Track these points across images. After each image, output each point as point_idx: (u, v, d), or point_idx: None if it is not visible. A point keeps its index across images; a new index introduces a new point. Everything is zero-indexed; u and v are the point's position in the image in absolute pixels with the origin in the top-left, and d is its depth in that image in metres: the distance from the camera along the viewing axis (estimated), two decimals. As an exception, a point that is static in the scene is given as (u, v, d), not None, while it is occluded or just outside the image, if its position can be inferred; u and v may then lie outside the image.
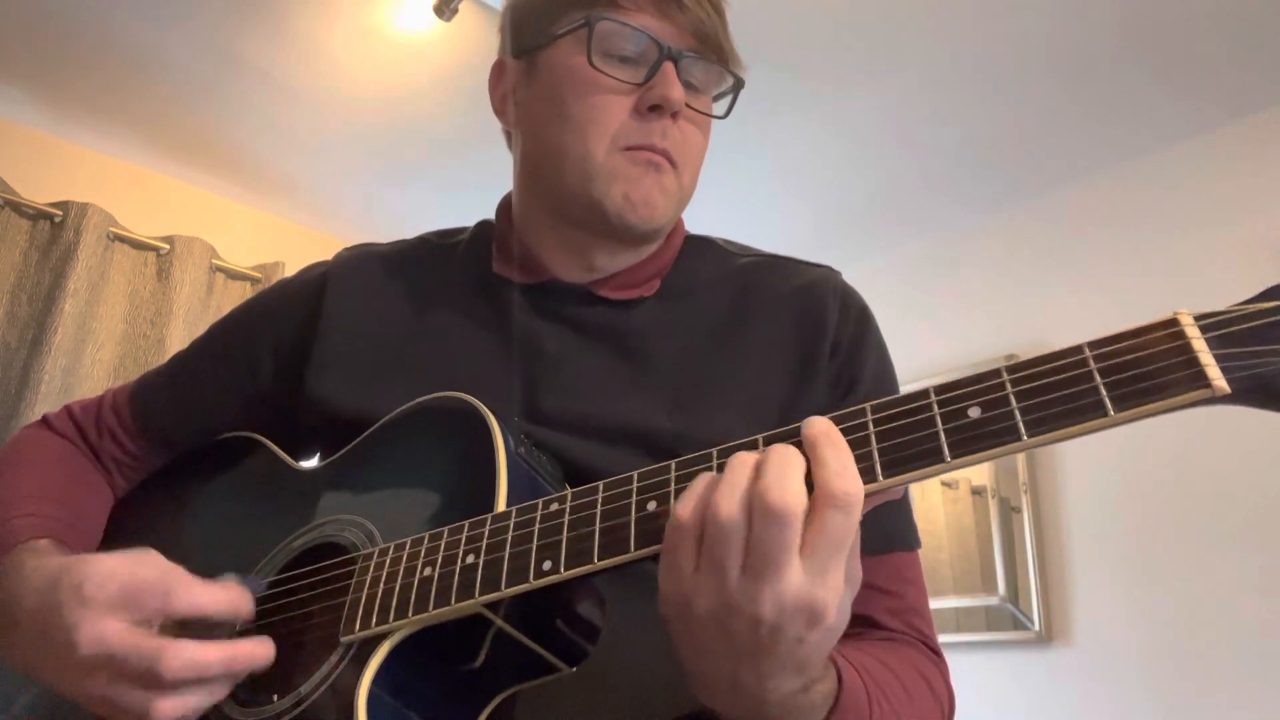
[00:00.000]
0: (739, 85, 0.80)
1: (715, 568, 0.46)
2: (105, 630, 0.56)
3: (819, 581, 0.45)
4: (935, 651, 0.71)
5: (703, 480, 0.48)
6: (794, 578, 0.44)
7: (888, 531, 0.73)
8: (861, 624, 0.70)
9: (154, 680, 0.55)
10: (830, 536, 0.45)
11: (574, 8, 0.76)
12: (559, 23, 0.77)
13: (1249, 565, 2.06)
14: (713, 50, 0.77)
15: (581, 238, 0.79)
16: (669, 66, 0.74)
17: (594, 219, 0.76)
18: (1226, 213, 2.30)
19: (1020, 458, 2.52)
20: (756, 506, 0.45)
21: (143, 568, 0.60)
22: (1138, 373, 0.42)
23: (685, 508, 0.47)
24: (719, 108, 0.81)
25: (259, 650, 0.59)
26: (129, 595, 0.58)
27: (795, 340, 0.77)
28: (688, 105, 0.75)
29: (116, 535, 0.83)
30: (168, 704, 0.56)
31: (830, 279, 0.82)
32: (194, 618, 0.59)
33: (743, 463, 0.47)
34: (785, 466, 0.45)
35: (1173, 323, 0.42)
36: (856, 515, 0.45)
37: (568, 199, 0.77)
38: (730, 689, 0.49)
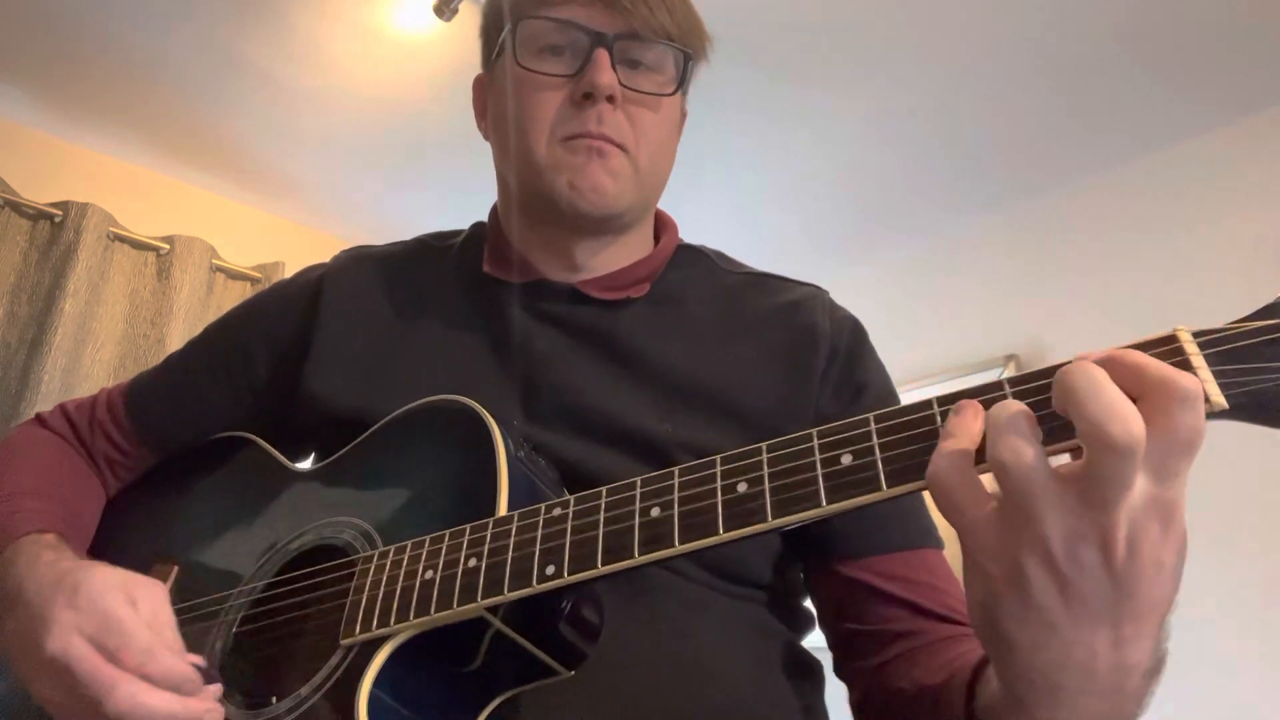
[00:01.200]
0: (686, 59, 0.79)
1: (1030, 517, 0.39)
2: (71, 644, 0.56)
3: (1166, 486, 0.39)
4: None
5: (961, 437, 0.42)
6: (1141, 488, 0.39)
7: (923, 526, 0.74)
8: (945, 620, 0.69)
9: (96, 708, 0.55)
10: (1178, 440, 0.38)
11: (510, 13, 0.78)
12: (502, 31, 0.79)
13: (1249, 567, 2.06)
14: (651, 29, 0.76)
15: (557, 235, 0.80)
16: (600, 53, 0.74)
17: (553, 212, 0.77)
18: (1225, 213, 2.30)
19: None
20: (1091, 438, 0.38)
21: (142, 605, 0.59)
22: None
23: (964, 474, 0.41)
24: (675, 85, 0.80)
25: (209, 717, 0.58)
26: (105, 626, 0.57)
27: (786, 354, 0.77)
28: (629, 87, 0.76)
29: (109, 534, 0.84)
30: None
31: (819, 296, 0.84)
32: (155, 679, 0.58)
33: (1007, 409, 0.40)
34: (1098, 387, 0.38)
35: (1172, 339, 0.43)
36: (1201, 411, 0.39)
37: (528, 196, 0.79)
38: (1085, 679, 0.42)
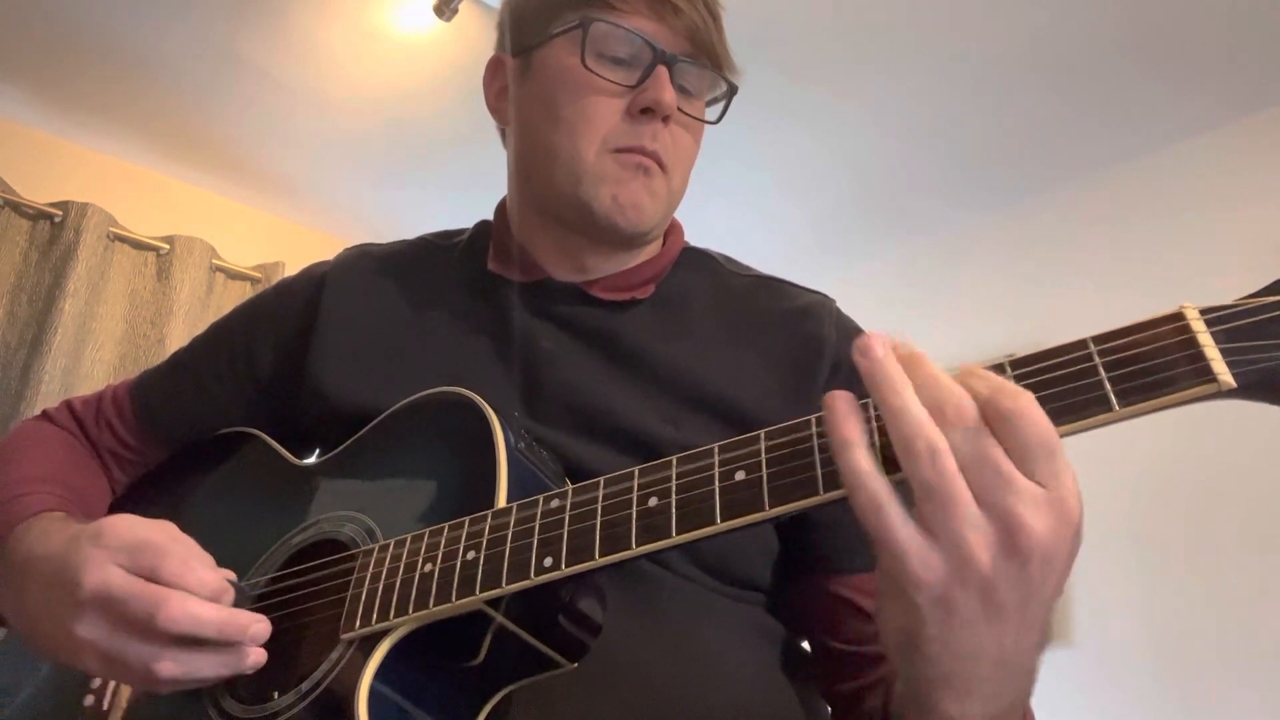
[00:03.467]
0: (732, 91, 0.80)
1: (946, 519, 0.41)
2: (110, 573, 0.57)
3: (1050, 485, 0.41)
4: None
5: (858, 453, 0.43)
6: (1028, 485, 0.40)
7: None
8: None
9: (152, 629, 0.55)
10: (1032, 439, 0.40)
11: (570, 8, 0.76)
12: (555, 22, 0.77)
13: (1251, 566, 2.06)
14: (706, 55, 0.77)
15: (572, 239, 0.79)
16: (662, 70, 0.74)
17: (582, 220, 0.76)
18: (1225, 212, 2.30)
19: (1021, 457, 2.52)
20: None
21: (156, 532, 0.60)
22: (1143, 367, 0.41)
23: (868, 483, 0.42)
24: (712, 113, 0.82)
25: (255, 625, 0.58)
26: (138, 549, 0.58)
27: (791, 362, 0.77)
28: (679, 109, 0.75)
29: None
30: (170, 660, 0.56)
31: (825, 303, 0.83)
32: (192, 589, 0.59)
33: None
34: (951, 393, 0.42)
35: (1178, 316, 0.42)
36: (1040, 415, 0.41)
37: (557, 199, 0.77)
38: (995, 669, 0.43)
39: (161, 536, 0.60)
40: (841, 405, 0.45)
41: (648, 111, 0.74)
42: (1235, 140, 2.34)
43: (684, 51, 0.75)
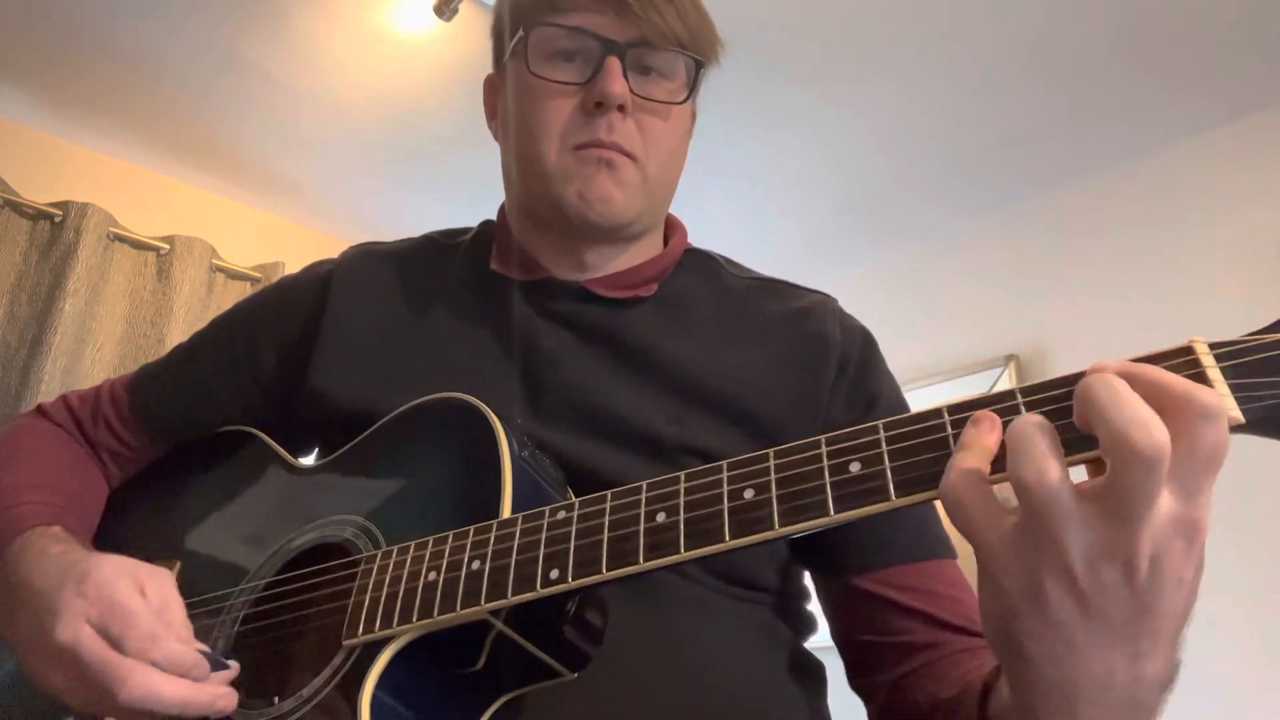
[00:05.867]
0: (698, 66, 0.79)
1: (1052, 537, 0.39)
2: (81, 632, 0.56)
3: (1191, 503, 0.39)
4: None
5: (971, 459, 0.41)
6: (1166, 503, 0.38)
7: (938, 535, 0.74)
8: (964, 632, 0.68)
9: (109, 698, 0.55)
10: (1201, 455, 0.38)
11: (520, 18, 0.78)
12: (513, 35, 0.79)
13: (1250, 566, 2.06)
14: (663, 36, 0.76)
15: (564, 240, 0.80)
16: (611, 61, 0.74)
17: (559, 219, 0.77)
18: (1225, 213, 2.30)
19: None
20: (1115, 449, 0.37)
21: (151, 594, 0.60)
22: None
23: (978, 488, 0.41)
24: (686, 92, 0.80)
25: (220, 701, 0.58)
26: (110, 613, 0.57)
27: (795, 361, 0.77)
28: (640, 96, 0.75)
29: (109, 528, 0.83)
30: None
31: (828, 303, 0.83)
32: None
33: (1029, 424, 0.40)
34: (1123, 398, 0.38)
35: (1188, 350, 0.42)
36: (1224, 426, 0.38)
37: (537, 203, 0.79)
38: (1102, 692, 0.41)
39: (135, 602, 0.59)
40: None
41: (600, 104, 0.74)
42: (1232, 142, 2.34)
43: (635, 38, 0.75)
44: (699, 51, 0.78)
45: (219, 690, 0.58)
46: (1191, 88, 2.23)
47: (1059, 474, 0.39)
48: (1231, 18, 2.00)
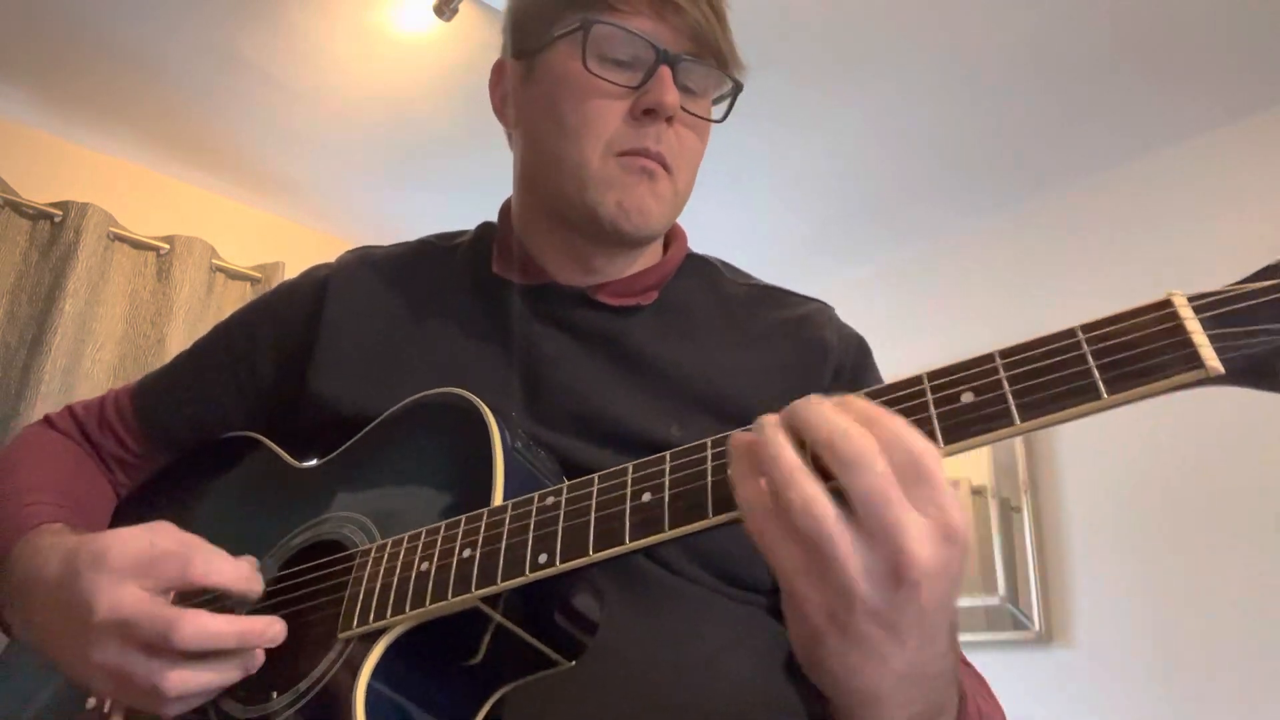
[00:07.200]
0: (737, 89, 0.80)
1: (825, 556, 0.42)
2: (122, 596, 0.57)
3: (929, 510, 0.42)
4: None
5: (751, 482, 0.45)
6: (913, 513, 0.42)
7: None
8: None
9: (166, 649, 0.56)
10: (909, 462, 0.42)
11: (571, 10, 0.75)
12: (557, 25, 0.77)
13: (1250, 564, 2.06)
14: (710, 53, 0.76)
15: (578, 241, 0.79)
16: (664, 70, 0.73)
17: (588, 224, 0.76)
18: (1224, 213, 2.30)
19: (1020, 457, 2.52)
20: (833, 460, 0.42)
21: (160, 537, 0.61)
22: (1131, 354, 0.41)
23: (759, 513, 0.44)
24: (717, 111, 0.81)
25: (271, 628, 0.59)
26: (146, 563, 0.58)
27: (793, 367, 0.78)
28: (683, 109, 0.75)
29: None
30: (177, 675, 0.56)
31: (825, 311, 0.84)
32: (210, 587, 0.60)
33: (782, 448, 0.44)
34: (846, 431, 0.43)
35: (1166, 304, 0.42)
36: (916, 434, 0.43)
37: (563, 204, 0.77)
38: (897, 681, 0.45)
39: (172, 543, 0.60)
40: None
41: (650, 113, 0.73)
42: (1231, 143, 2.34)
43: (687, 50, 0.75)
44: (738, 74, 0.79)
45: (268, 619, 0.59)
46: (1191, 88, 2.23)
47: (823, 499, 0.42)
48: (1231, 18, 2.01)
